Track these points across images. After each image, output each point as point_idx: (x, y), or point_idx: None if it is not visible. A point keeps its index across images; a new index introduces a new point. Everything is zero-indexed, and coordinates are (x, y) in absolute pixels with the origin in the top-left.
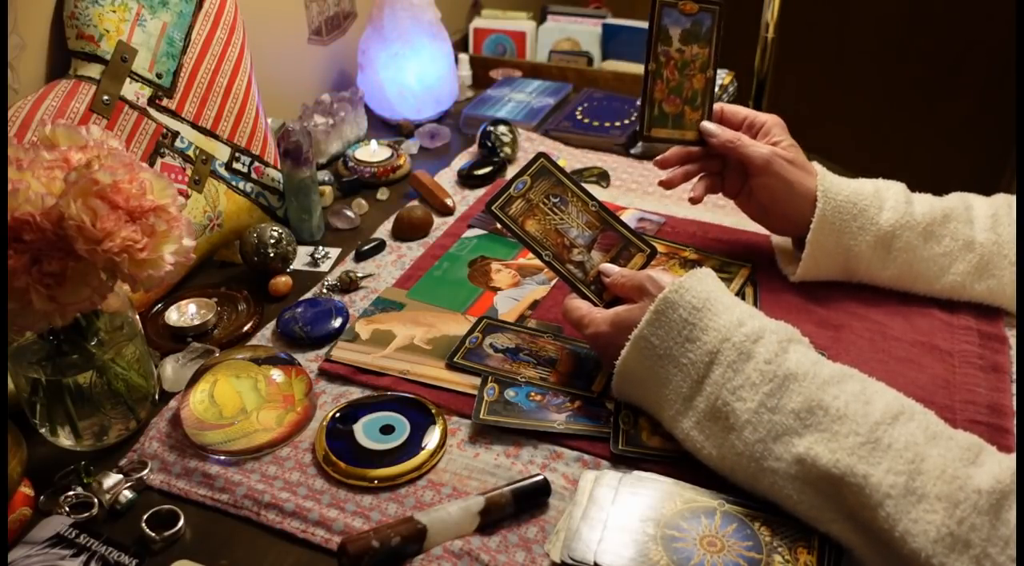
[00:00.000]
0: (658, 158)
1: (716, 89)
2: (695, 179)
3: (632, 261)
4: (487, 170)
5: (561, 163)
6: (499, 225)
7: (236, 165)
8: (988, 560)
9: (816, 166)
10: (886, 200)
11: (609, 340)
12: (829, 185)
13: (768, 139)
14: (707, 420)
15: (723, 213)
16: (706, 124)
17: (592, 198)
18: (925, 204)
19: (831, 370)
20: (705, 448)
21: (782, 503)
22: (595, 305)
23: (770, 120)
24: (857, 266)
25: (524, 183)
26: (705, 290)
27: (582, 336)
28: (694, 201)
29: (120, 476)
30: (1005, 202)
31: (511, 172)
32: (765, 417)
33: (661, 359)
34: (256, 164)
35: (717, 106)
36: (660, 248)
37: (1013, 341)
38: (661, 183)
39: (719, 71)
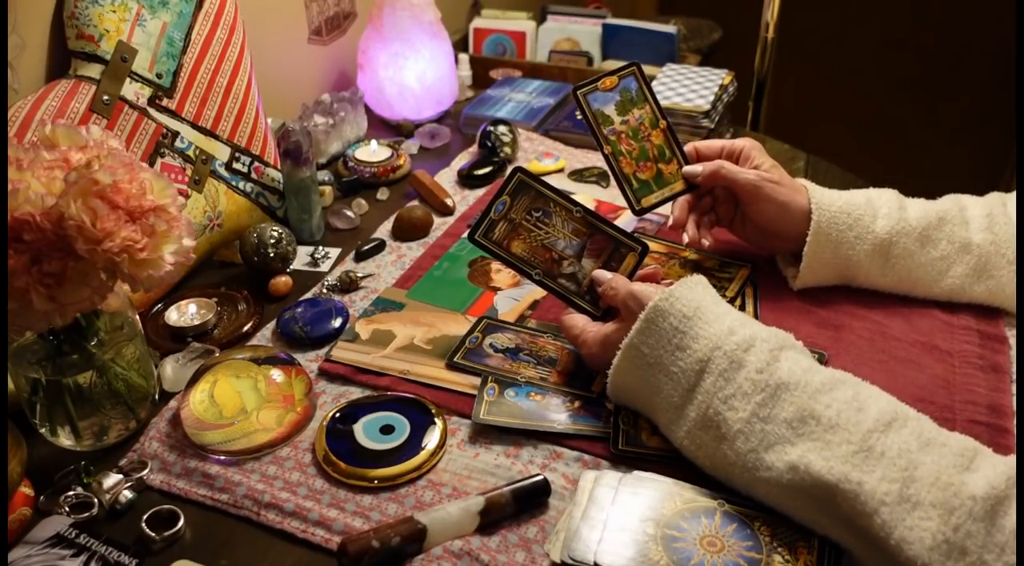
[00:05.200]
0: (669, 226)
1: (717, 90)
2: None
3: (625, 262)
4: (487, 170)
5: (561, 163)
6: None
7: (236, 165)
8: None
9: (804, 181)
10: (879, 208)
11: (600, 361)
12: (821, 198)
13: (749, 164)
14: (698, 429)
15: None
16: (687, 168)
17: (575, 204)
18: (919, 209)
19: (823, 377)
20: (698, 458)
21: (779, 509)
22: (593, 316)
23: (747, 144)
24: (856, 274)
25: (504, 203)
26: (696, 298)
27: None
28: (708, 247)
29: (120, 476)
30: (999, 200)
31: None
32: (757, 427)
33: (651, 368)
34: (256, 164)
35: (688, 146)
36: (660, 248)
37: (1013, 341)
38: (689, 244)
39: (719, 71)
